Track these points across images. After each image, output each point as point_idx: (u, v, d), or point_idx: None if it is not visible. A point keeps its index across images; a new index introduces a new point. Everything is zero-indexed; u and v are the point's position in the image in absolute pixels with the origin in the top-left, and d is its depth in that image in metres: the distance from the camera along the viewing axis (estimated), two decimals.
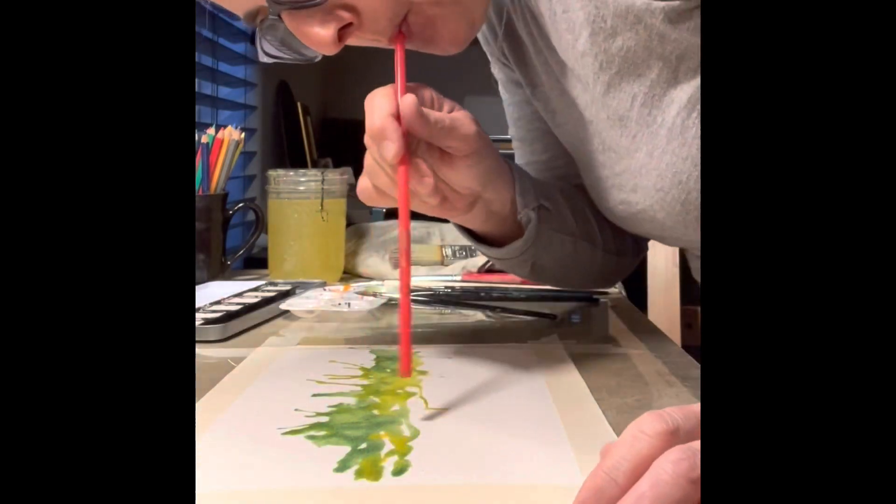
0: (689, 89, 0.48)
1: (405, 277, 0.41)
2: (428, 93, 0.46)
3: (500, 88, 0.68)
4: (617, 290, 0.82)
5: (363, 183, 0.47)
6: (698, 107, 0.48)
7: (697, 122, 0.48)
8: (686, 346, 0.71)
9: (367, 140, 0.44)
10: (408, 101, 0.42)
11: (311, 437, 0.36)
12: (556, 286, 0.67)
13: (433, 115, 0.43)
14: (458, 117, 0.45)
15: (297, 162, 2.15)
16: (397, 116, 0.42)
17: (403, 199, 0.42)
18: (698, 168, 0.49)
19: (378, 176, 0.46)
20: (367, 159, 0.46)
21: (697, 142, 0.48)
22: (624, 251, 0.65)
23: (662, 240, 0.58)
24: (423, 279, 0.84)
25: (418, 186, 0.43)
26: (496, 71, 0.67)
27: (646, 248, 0.69)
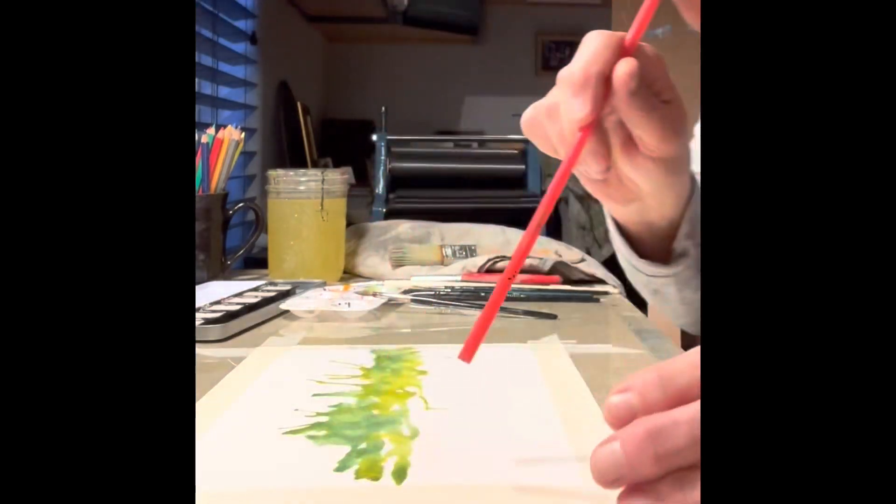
0: None
1: (522, 255, 0.35)
2: (658, 67, 0.37)
3: None
4: (617, 290, 0.82)
5: (534, 113, 0.39)
6: None
7: None
8: (686, 346, 0.71)
9: (560, 76, 0.36)
10: (626, 69, 0.34)
11: (311, 437, 0.36)
12: (665, 314, 0.61)
13: (642, 100, 0.35)
14: (668, 115, 0.37)
15: (297, 162, 2.16)
16: (609, 73, 0.34)
17: (567, 165, 0.34)
18: None
19: (555, 120, 0.38)
20: (554, 94, 0.38)
21: None
22: None
23: None
24: (424, 279, 0.84)
25: (590, 160, 0.36)
26: None
27: None
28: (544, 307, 0.70)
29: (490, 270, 0.85)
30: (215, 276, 0.86)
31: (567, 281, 0.85)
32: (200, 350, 0.55)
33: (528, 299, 0.74)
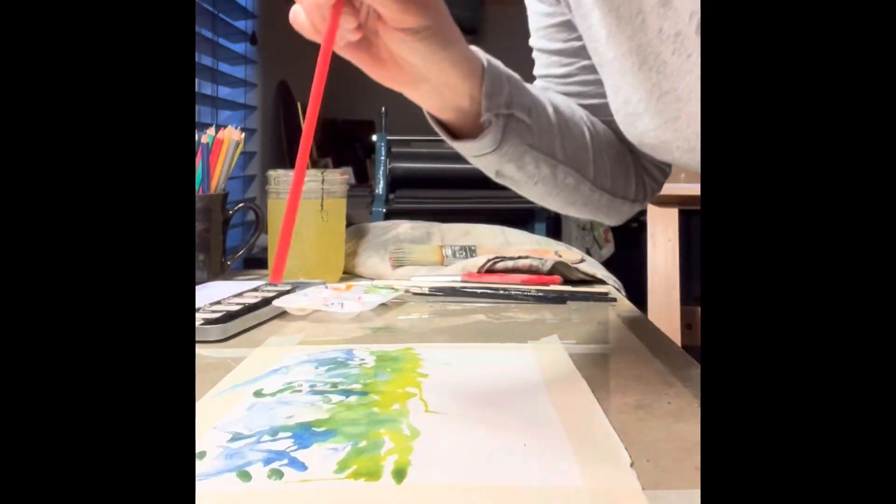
0: None
1: (302, 160, 0.40)
2: None
3: None
4: (617, 289, 0.82)
5: (294, 7, 0.44)
6: None
7: None
8: (686, 346, 0.71)
9: None
10: None
11: (312, 435, 0.36)
12: (536, 201, 0.64)
13: None
14: None
15: None
16: None
17: (327, 38, 0.40)
18: None
19: (305, 3, 0.42)
20: None
21: None
22: (623, 194, 0.63)
23: (693, 168, 0.55)
24: (423, 279, 0.84)
25: (342, 21, 0.41)
26: None
27: (649, 198, 0.67)
28: (545, 307, 0.70)
29: (490, 271, 0.85)
30: (215, 277, 0.86)
31: (567, 281, 0.85)
32: (200, 350, 0.55)
33: (528, 300, 0.74)
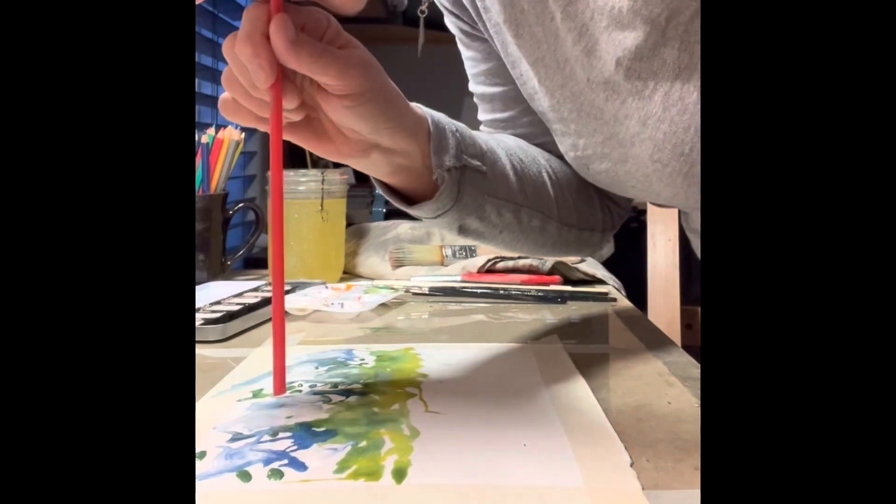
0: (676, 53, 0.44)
1: (278, 275, 0.39)
2: (325, 23, 0.40)
3: (458, 43, 0.64)
4: (617, 289, 0.82)
5: (224, 95, 0.41)
6: (697, 73, 0.44)
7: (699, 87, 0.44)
8: (686, 346, 0.71)
9: (226, 50, 0.39)
10: (280, 25, 0.37)
11: (312, 435, 0.36)
12: (504, 250, 0.61)
13: (308, 47, 0.38)
14: (342, 55, 0.39)
15: (297, 162, 2.15)
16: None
17: (274, 121, 0.39)
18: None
19: (234, 86, 0.40)
20: (227, 69, 0.40)
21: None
22: (590, 226, 0.62)
23: (654, 202, 0.55)
24: (423, 279, 0.84)
25: (284, 101, 0.39)
26: (449, 24, 0.63)
27: (618, 225, 0.66)
28: (545, 307, 0.70)
29: (490, 271, 0.85)
30: (215, 277, 0.86)
31: (567, 281, 0.85)
32: (200, 350, 0.55)
33: (528, 300, 0.74)
